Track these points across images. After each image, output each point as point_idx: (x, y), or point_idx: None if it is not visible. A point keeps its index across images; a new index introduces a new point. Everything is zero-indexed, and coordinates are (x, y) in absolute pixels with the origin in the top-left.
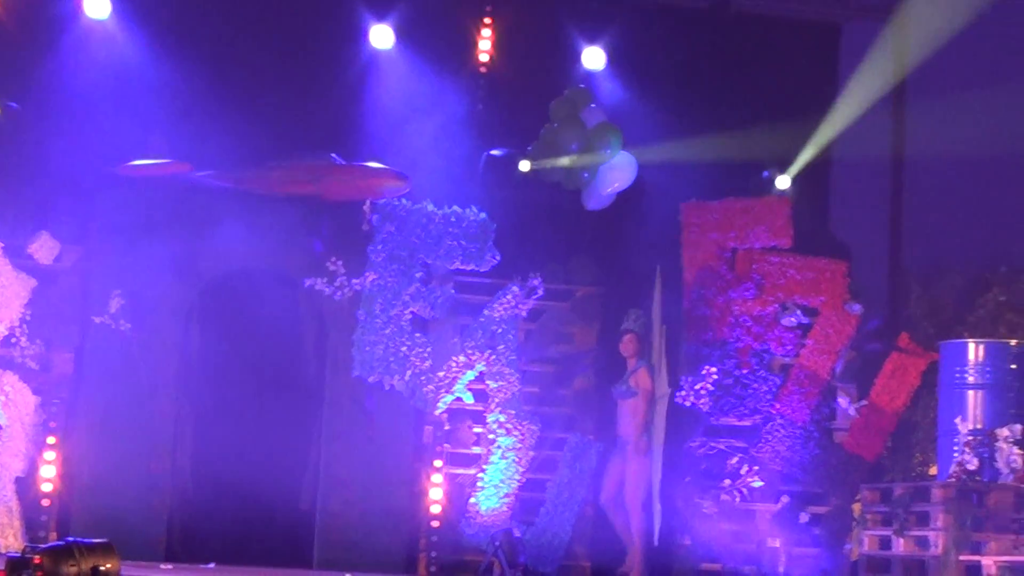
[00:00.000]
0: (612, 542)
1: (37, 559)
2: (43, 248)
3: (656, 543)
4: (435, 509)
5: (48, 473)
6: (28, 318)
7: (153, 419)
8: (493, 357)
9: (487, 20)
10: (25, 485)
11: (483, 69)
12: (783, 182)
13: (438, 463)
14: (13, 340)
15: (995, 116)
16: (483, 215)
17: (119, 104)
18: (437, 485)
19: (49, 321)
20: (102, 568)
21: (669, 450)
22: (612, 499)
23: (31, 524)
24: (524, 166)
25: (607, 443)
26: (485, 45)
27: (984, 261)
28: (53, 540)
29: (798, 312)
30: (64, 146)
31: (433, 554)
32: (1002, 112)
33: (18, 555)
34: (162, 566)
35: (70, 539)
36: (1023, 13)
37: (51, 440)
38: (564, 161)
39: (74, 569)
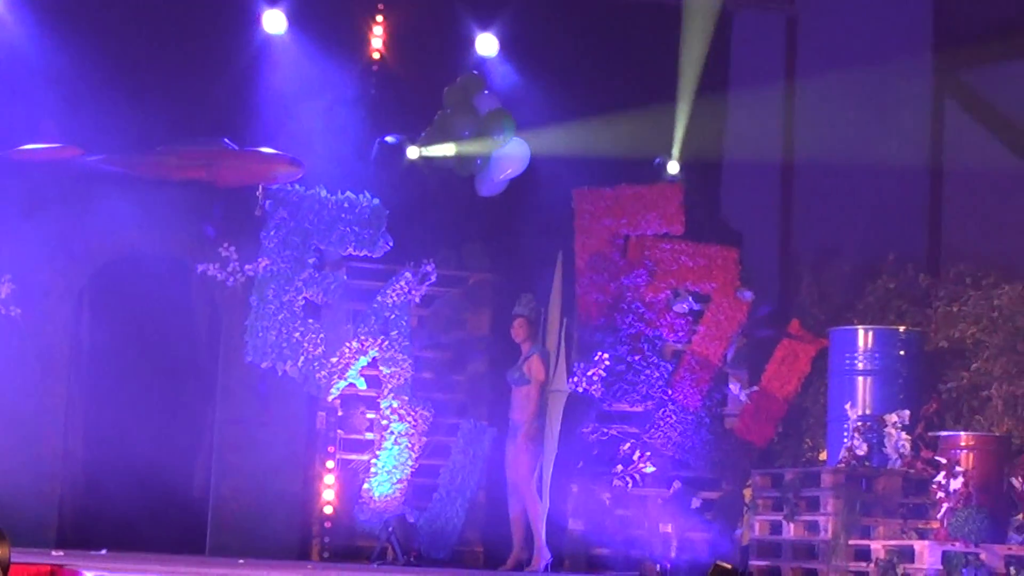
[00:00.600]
0: (504, 527)
1: None
2: None
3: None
4: (328, 495)
5: None
6: None
7: (44, 405)
8: (386, 343)
9: (380, 6)
10: None
11: (376, 55)
12: (672, 167)
13: (331, 449)
14: None
15: (882, 107)
16: (376, 201)
17: (8, 89)
18: (330, 471)
19: None
20: None
21: (561, 435)
22: (510, 485)
23: None
24: (412, 153)
25: (500, 429)
26: (378, 31)
27: (873, 249)
28: None
29: (690, 299)
30: None
31: (326, 540)
32: (888, 104)
33: None
34: (53, 552)
35: None
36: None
37: None
38: (452, 149)
39: None
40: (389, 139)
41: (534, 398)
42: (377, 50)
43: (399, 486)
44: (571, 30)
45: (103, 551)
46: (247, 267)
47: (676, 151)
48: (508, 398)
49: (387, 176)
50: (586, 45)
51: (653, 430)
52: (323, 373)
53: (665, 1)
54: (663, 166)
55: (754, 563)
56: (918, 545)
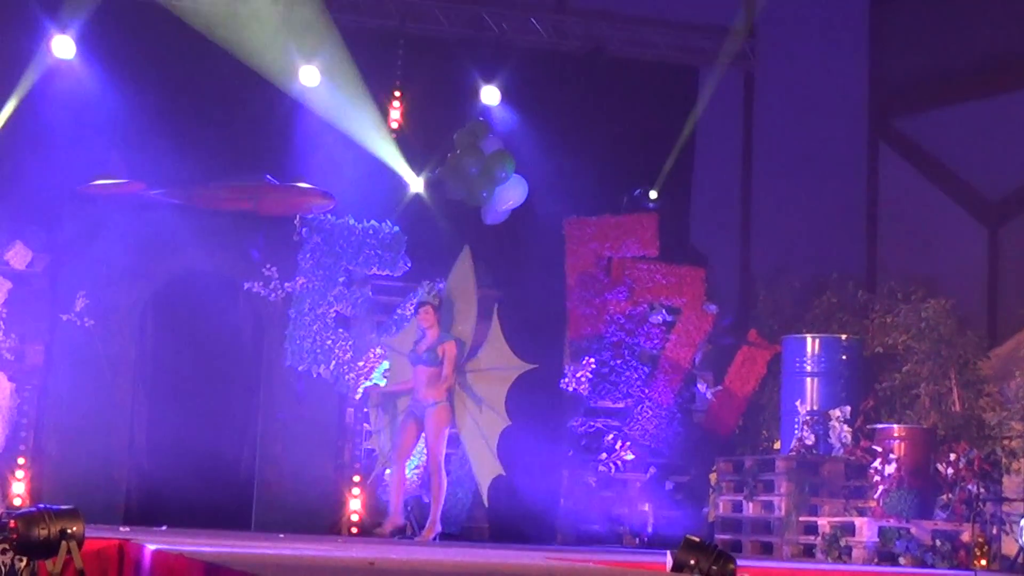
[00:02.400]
0: (507, 506)
1: (12, 523)
2: (17, 255)
3: (486, 504)
4: (355, 479)
5: (22, 449)
6: (4, 315)
7: (113, 402)
8: None
9: (399, 63)
10: (2, 459)
11: (397, 104)
12: (654, 195)
13: (358, 440)
14: None
15: (826, 148)
16: (396, 228)
17: (82, 131)
18: (357, 458)
19: (23, 318)
20: (69, 531)
21: (554, 428)
22: (404, 460)
23: (7, 492)
24: (416, 185)
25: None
26: (398, 80)
27: (818, 268)
28: (26, 507)
29: (663, 311)
30: (35, 168)
31: (354, 517)
32: (831, 145)
33: None
34: (121, 528)
35: (41, 506)
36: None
37: (24, 421)
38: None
39: (44, 532)
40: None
41: (442, 378)
42: (397, 99)
43: (416, 471)
44: (559, 84)
45: (163, 527)
46: (286, 284)
47: (658, 185)
48: (512, 395)
49: (407, 207)
50: (576, 95)
51: (632, 423)
52: (351, 375)
53: (640, 59)
54: (641, 197)
55: (719, 537)
56: (858, 521)
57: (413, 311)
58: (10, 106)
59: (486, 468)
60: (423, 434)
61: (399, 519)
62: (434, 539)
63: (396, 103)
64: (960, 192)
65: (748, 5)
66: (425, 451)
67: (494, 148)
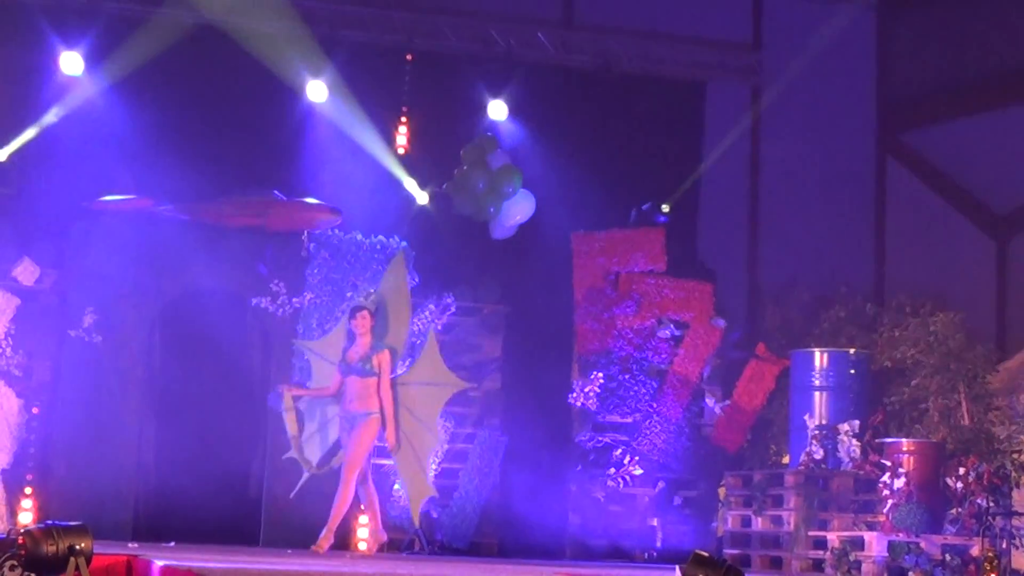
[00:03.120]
0: (515, 521)
1: (20, 539)
2: (25, 271)
3: (417, 524)
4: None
5: (30, 465)
6: (12, 332)
7: (121, 418)
8: (412, 364)
9: (406, 78)
10: (10, 476)
11: (404, 119)
12: (666, 208)
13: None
14: None
15: (834, 162)
16: (404, 243)
17: (90, 147)
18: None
19: (31, 334)
20: (77, 547)
21: (562, 443)
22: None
23: (15, 509)
24: (423, 199)
25: (512, 438)
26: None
27: (827, 283)
28: (34, 523)
29: (671, 326)
30: (44, 184)
31: (363, 533)
32: (839, 159)
33: (3, 536)
34: (130, 544)
35: (49, 522)
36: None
37: (32, 438)
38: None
39: (53, 548)
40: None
41: (376, 390)
42: (404, 116)
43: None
44: (567, 99)
45: (172, 543)
46: (294, 300)
47: (671, 200)
48: (520, 411)
49: (414, 222)
50: (583, 109)
51: (641, 438)
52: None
53: (649, 75)
54: (650, 212)
55: (728, 551)
56: (867, 536)
57: (348, 315)
58: (17, 123)
59: (416, 488)
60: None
61: (382, 535)
62: (380, 549)
63: (403, 119)
64: (968, 205)
65: (756, 20)
66: (344, 461)
67: (501, 163)
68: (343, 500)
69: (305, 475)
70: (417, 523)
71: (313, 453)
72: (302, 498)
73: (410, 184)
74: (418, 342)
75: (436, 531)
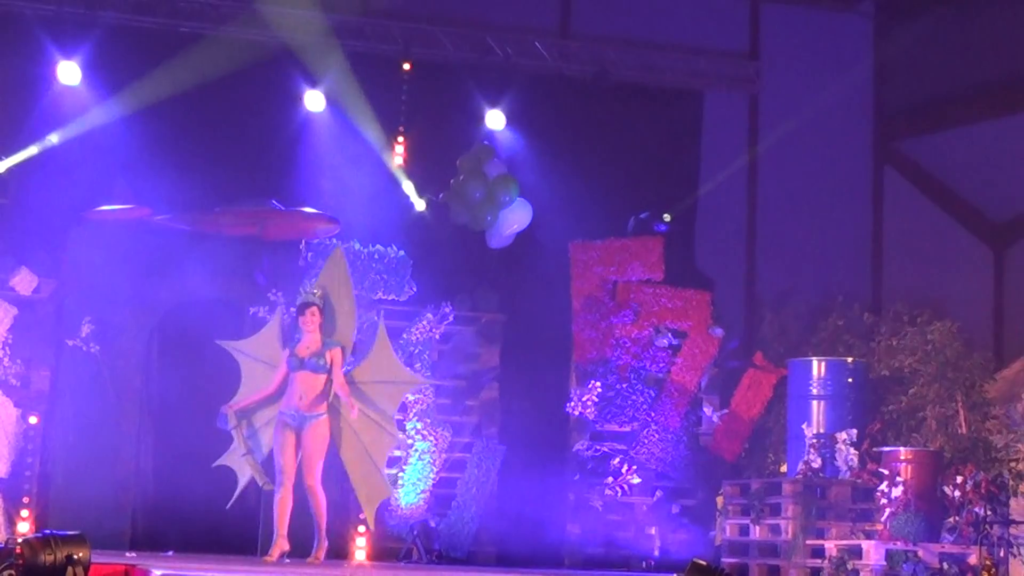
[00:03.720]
0: (513, 530)
1: (18, 549)
2: (23, 281)
3: (371, 528)
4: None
5: (27, 474)
6: (10, 341)
7: (119, 428)
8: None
9: (404, 88)
10: (8, 485)
11: (401, 129)
12: (667, 218)
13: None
14: None
15: (831, 171)
16: (402, 253)
17: (88, 157)
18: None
19: (28, 344)
20: (75, 556)
21: (560, 452)
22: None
23: (13, 519)
24: (420, 206)
25: (510, 447)
26: (404, 106)
27: (824, 291)
28: (32, 532)
29: (669, 335)
30: (41, 194)
31: (361, 542)
32: (836, 168)
33: (2, 546)
34: (127, 554)
35: (47, 531)
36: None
37: (30, 447)
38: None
39: (51, 558)
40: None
41: (326, 388)
42: (401, 126)
43: (423, 496)
44: (564, 108)
45: (170, 552)
46: (292, 309)
47: (674, 211)
48: (518, 420)
49: (412, 231)
50: (581, 118)
51: (639, 447)
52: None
53: (646, 83)
54: (648, 220)
55: (726, 560)
56: (865, 544)
57: (297, 311)
58: (15, 132)
59: (374, 490)
60: (300, 449)
61: (286, 544)
62: (283, 558)
63: (401, 128)
64: (965, 214)
65: (753, 29)
66: (304, 469)
67: (498, 172)
68: (321, 506)
69: (241, 484)
70: (372, 526)
71: (266, 473)
72: (300, 508)
73: (408, 193)
74: (416, 350)
75: (434, 541)
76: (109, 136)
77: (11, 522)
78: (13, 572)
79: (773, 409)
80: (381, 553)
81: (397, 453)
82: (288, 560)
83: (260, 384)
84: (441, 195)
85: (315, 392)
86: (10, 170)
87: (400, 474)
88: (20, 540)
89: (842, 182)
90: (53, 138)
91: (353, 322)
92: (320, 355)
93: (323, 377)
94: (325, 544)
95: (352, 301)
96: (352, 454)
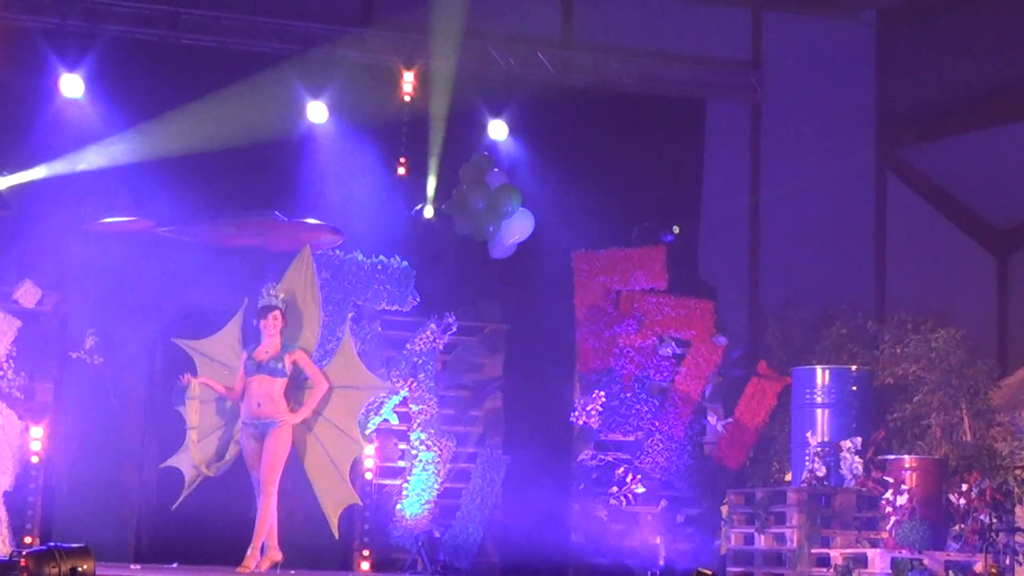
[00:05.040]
0: (518, 541)
1: (23, 562)
2: (27, 294)
3: (336, 536)
4: (366, 513)
5: (32, 487)
6: (14, 354)
7: (123, 440)
8: (415, 384)
9: (407, 100)
10: (12, 498)
11: (404, 139)
12: (676, 230)
13: (369, 476)
14: (1, 373)
15: (834, 179)
16: (405, 263)
17: (91, 170)
18: (369, 494)
19: (32, 356)
20: (79, 569)
21: (564, 461)
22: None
23: (17, 531)
24: (428, 212)
25: (515, 457)
26: (406, 116)
27: (828, 300)
28: (37, 545)
29: (673, 344)
30: (44, 207)
31: (366, 552)
32: (839, 176)
33: (6, 559)
34: (132, 566)
35: (51, 544)
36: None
37: (35, 460)
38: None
39: (55, 570)
40: (417, 208)
41: (284, 394)
42: (404, 135)
43: (427, 506)
44: (566, 118)
45: (175, 564)
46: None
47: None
48: (522, 430)
49: (415, 241)
50: (583, 128)
51: (643, 456)
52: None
53: (648, 93)
54: (652, 229)
55: (731, 570)
56: (870, 553)
57: (258, 314)
58: (18, 145)
59: (337, 496)
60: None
61: (278, 554)
62: (276, 567)
63: (404, 138)
64: (968, 222)
65: (755, 38)
66: (261, 476)
67: (500, 182)
68: (267, 514)
69: (189, 483)
70: (336, 535)
71: (205, 453)
72: (304, 518)
73: (411, 204)
74: (419, 361)
75: (438, 551)
76: (112, 148)
77: (15, 535)
78: None
79: (777, 417)
80: (385, 564)
81: (401, 464)
82: (284, 571)
83: (213, 377)
84: (444, 205)
85: (272, 398)
86: (13, 183)
87: (405, 485)
88: (25, 553)
89: (845, 190)
90: (55, 150)
91: (317, 326)
92: (279, 359)
93: (281, 381)
94: (257, 555)
95: (318, 304)
96: (316, 463)
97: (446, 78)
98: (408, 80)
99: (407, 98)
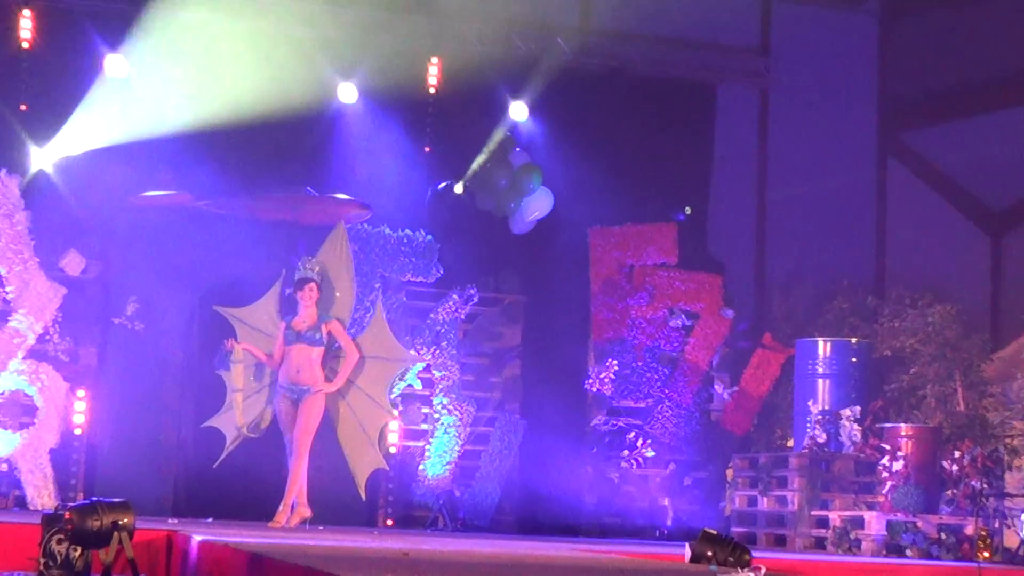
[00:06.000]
0: (534, 500)
1: (67, 515)
2: (72, 263)
3: (363, 497)
4: (391, 473)
5: (76, 445)
6: (60, 320)
7: (162, 401)
8: (438, 351)
9: (433, 82)
10: (58, 455)
11: (429, 119)
12: (688, 211)
13: (393, 435)
14: (48, 338)
15: (836, 161)
16: (429, 237)
17: (134, 146)
18: (393, 447)
19: (77, 322)
20: (120, 522)
21: (579, 426)
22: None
23: (63, 487)
24: (459, 188)
25: (531, 422)
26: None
27: (830, 276)
28: (80, 500)
29: (682, 316)
30: (89, 180)
31: (390, 510)
32: (841, 158)
33: (52, 512)
34: (169, 520)
35: (94, 498)
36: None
37: (79, 419)
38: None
39: (97, 523)
40: (441, 186)
41: (321, 363)
42: (431, 114)
43: (448, 467)
44: (584, 101)
45: (210, 519)
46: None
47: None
48: (538, 396)
49: (439, 216)
50: (600, 110)
51: (653, 422)
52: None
53: (661, 77)
54: (665, 207)
55: (735, 530)
56: (867, 515)
57: (293, 287)
58: (66, 122)
59: (365, 460)
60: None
61: (307, 511)
62: (305, 523)
63: (429, 118)
64: (964, 203)
65: (764, 25)
66: (295, 438)
67: (522, 161)
68: (298, 473)
69: (230, 443)
70: (363, 496)
71: (248, 415)
72: (332, 478)
73: (436, 181)
74: (442, 330)
75: (458, 509)
76: (153, 126)
77: (61, 490)
78: (63, 537)
79: (781, 387)
80: (408, 520)
81: (424, 427)
82: (313, 527)
83: (254, 343)
84: (468, 182)
85: (311, 365)
86: (60, 159)
87: (427, 447)
88: (69, 506)
89: (847, 171)
90: (100, 127)
91: (351, 298)
92: (316, 328)
93: (319, 350)
94: (288, 512)
95: (352, 278)
96: (347, 429)
97: (471, 61)
98: (433, 72)
99: (432, 90)
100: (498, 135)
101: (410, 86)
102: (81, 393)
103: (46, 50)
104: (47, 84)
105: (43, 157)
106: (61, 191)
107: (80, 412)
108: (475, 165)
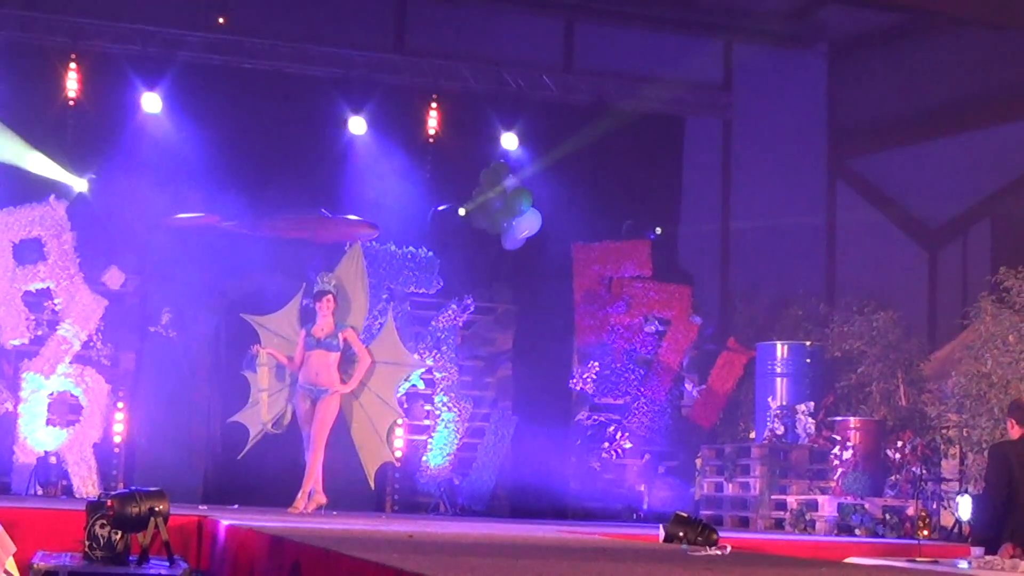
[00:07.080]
0: (525, 488)
1: (109, 503)
2: (112, 277)
3: (372, 487)
4: (397, 464)
5: (117, 440)
6: (102, 328)
7: (193, 400)
8: (438, 355)
9: (434, 116)
10: (101, 449)
11: (431, 148)
12: (659, 230)
13: (399, 432)
14: (91, 345)
15: (791, 184)
16: (430, 253)
17: (168, 173)
18: (399, 448)
19: (117, 330)
20: (156, 509)
21: (564, 421)
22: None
23: (105, 477)
24: (462, 211)
25: (523, 418)
26: (432, 129)
27: (787, 286)
28: (120, 489)
29: (656, 322)
30: (127, 204)
31: (396, 497)
32: (796, 182)
33: (95, 499)
34: (200, 507)
35: (133, 488)
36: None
37: (119, 417)
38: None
39: (136, 510)
40: (441, 208)
41: (337, 367)
42: (431, 144)
43: (448, 458)
44: (568, 131)
45: (236, 506)
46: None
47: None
48: (528, 394)
49: (439, 235)
50: (582, 140)
51: (630, 417)
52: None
53: (635, 111)
54: (634, 225)
55: (704, 512)
56: (820, 499)
57: (312, 299)
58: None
59: (374, 454)
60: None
61: (323, 498)
62: (320, 509)
63: (430, 147)
64: (905, 221)
65: (727, 64)
66: (312, 433)
67: (514, 186)
68: (315, 465)
69: (253, 436)
70: (372, 486)
71: (271, 412)
72: (345, 468)
73: (436, 203)
74: (442, 336)
75: (457, 496)
76: (185, 155)
77: (103, 480)
78: (105, 522)
79: (743, 385)
80: (412, 506)
81: (427, 422)
82: (328, 512)
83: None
84: (465, 204)
85: (328, 370)
86: (102, 184)
87: (429, 440)
88: (111, 495)
89: (801, 193)
90: (138, 156)
91: (365, 310)
92: (334, 336)
93: (336, 355)
94: (305, 499)
95: (366, 293)
96: (360, 426)
97: (466, 97)
98: (432, 107)
99: (432, 122)
100: (493, 167)
101: (412, 119)
102: (121, 394)
103: (91, 95)
104: (91, 124)
105: (87, 185)
106: (103, 214)
107: (120, 410)
108: (481, 199)
